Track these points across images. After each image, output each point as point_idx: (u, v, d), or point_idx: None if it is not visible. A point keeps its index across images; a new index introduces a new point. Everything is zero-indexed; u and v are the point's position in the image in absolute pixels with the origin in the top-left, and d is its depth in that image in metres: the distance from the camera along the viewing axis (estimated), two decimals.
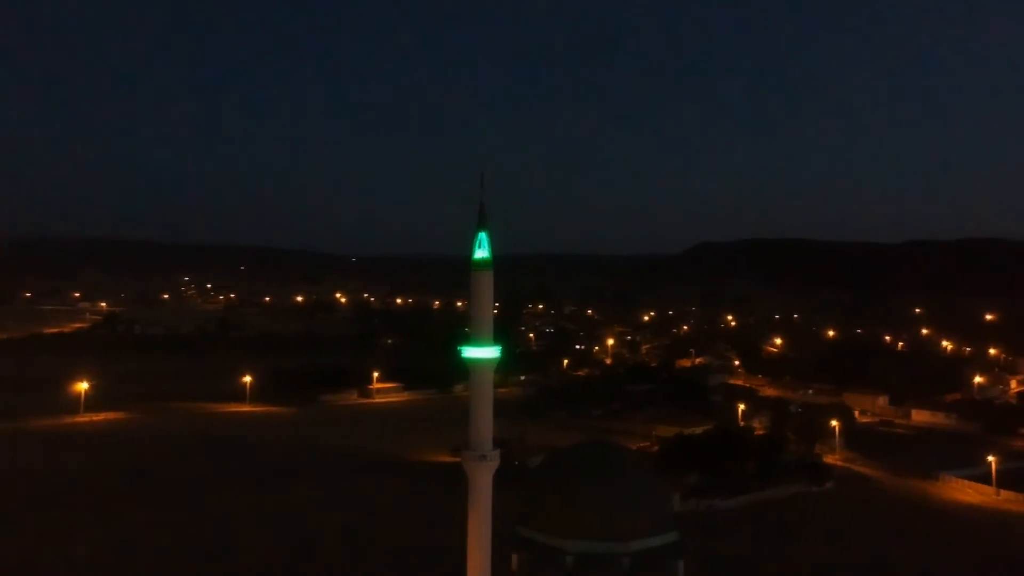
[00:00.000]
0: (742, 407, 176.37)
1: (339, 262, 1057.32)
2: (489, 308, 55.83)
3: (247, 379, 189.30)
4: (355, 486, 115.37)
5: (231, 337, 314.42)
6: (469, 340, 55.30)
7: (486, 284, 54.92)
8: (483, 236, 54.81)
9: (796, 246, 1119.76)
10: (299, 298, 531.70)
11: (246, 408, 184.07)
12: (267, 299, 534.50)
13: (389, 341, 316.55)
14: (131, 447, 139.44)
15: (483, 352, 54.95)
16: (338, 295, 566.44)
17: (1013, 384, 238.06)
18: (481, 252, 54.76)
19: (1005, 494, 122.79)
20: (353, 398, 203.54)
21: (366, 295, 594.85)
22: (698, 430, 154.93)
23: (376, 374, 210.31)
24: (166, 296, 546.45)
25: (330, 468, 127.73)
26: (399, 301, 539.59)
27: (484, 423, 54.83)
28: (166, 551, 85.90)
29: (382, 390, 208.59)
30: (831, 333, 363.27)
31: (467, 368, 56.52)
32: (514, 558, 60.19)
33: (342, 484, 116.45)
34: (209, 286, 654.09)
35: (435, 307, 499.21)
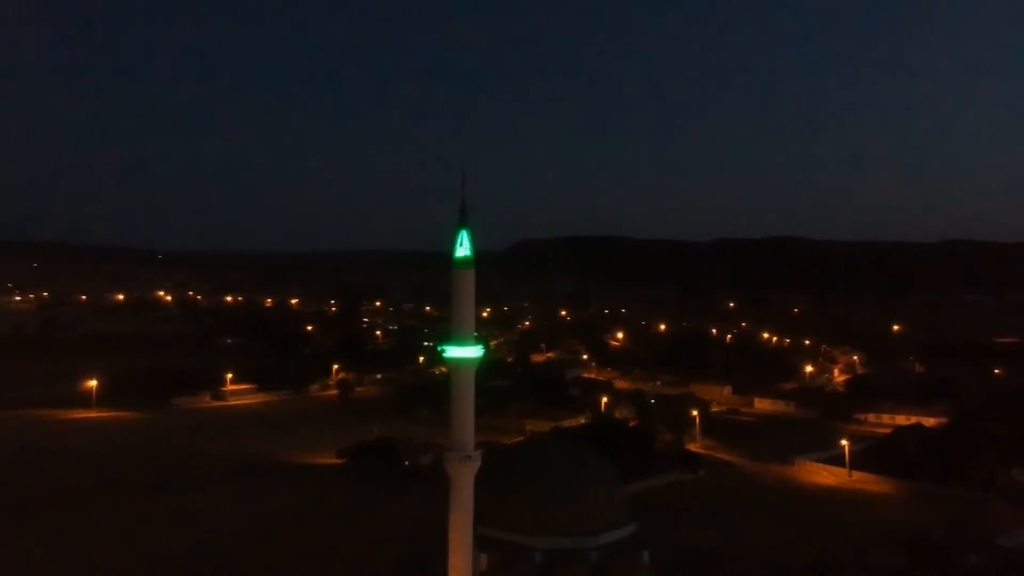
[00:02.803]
0: (605, 399, 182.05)
1: (144, 258, 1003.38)
2: (471, 307, 55.11)
3: (92, 383, 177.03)
4: (248, 492, 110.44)
5: (56, 338, 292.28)
6: (450, 339, 54.60)
7: (468, 283, 54.33)
8: (464, 234, 54.23)
9: (614, 243, 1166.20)
10: (120, 296, 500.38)
11: (93, 414, 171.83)
12: (83, 297, 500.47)
13: (228, 341, 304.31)
14: None
15: (466, 351, 54.42)
16: (161, 293, 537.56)
17: (836, 372, 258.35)
18: (463, 250, 54.13)
19: (857, 475, 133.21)
20: (206, 400, 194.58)
21: (191, 293, 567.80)
22: (570, 423, 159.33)
23: (229, 375, 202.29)
24: None
25: (213, 475, 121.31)
26: (229, 299, 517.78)
27: (467, 424, 54.23)
28: None
29: (236, 392, 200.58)
30: (662, 327, 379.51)
31: (448, 368, 55.87)
32: (483, 558, 60.23)
33: (234, 490, 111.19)
34: (10, 284, 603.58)
35: (268, 305, 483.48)
